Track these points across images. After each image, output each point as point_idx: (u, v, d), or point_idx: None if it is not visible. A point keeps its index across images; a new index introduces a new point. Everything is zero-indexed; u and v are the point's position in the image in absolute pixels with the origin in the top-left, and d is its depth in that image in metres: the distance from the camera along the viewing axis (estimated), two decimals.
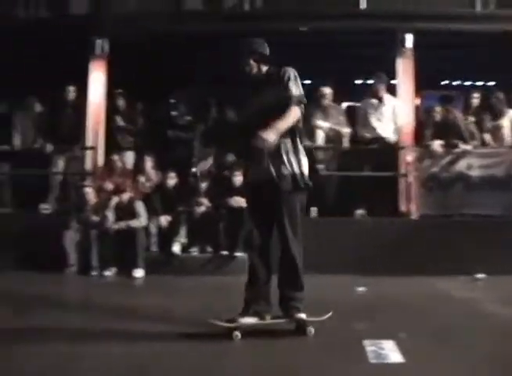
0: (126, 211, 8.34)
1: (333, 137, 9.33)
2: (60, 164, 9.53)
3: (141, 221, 8.28)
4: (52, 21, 10.17)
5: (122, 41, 9.74)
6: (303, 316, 4.51)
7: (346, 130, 9.25)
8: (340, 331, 4.66)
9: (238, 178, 8.42)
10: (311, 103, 9.19)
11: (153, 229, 8.51)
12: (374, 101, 9.21)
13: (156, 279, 7.88)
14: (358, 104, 9.94)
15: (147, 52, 10.25)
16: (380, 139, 9.10)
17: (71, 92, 9.61)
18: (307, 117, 8.91)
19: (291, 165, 4.54)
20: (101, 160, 9.58)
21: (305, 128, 8.79)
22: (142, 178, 9.01)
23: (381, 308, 5.90)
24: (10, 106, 10.08)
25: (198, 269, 8.22)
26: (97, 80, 9.95)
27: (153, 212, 8.54)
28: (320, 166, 9.08)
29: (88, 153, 9.73)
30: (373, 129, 9.13)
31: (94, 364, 3.80)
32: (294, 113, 4.48)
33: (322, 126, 9.25)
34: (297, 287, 4.57)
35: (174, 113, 10.38)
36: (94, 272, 8.13)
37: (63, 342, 4.23)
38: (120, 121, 9.88)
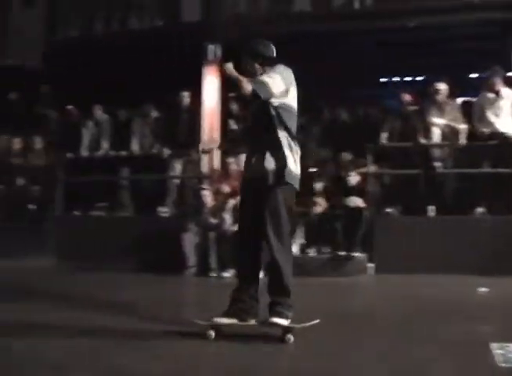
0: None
1: (449, 134, 9.02)
2: (177, 167, 9.73)
3: None
4: (166, 29, 10.45)
5: (234, 44, 9.83)
6: (281, 321, 4.21)
7: (462, 126, 8.92)
8: (465, 333, 4.49)
9: (354, 178, 8.30)
10: (426, 99, 8.99)
11: None
12: (491, 95, 8.83)
13: None
14: (474, 99, 9.58)
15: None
16: (498, 135, 8.71)
17: (186, 97, 9.77)
18: (422, 114, 8.85)
19: (276, 160, 4.34)
20: (217, 164, 9.70)
21: (421, 126, 8.71)
22: None
23: (506, 309, 5.62)
24: (128, 113, 10.42)
25: (316, 270, 8.14)
26: (211, 84, 10.12)
27: None
28: (437, 164, 8.82)
29: (204, 157, 9.90)
30: (491, 124, 8.76)
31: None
32: (246, 87, 4.28)
33: (438, 123, 8.96)
34: (280, 292, 4.32)
35: None
36: (213, 274, 8.22)
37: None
38: (233, 124, 10.00)
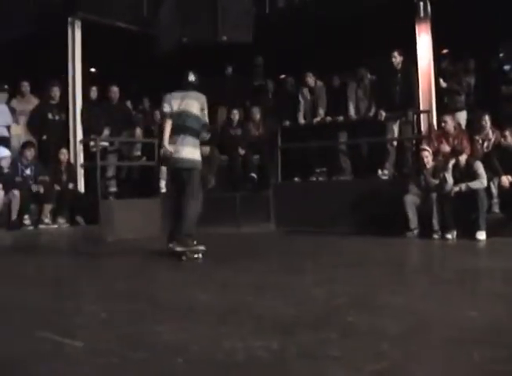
0: (465, 173, 8.15)
1: None
2: (395, 129, 9.68)
3: (482, 182, 8.01)
4: None
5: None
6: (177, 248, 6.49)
7: None
8: None
9: None
10: None
11: (494, 190, 8.21)
12: None
13: (499, 241, 7.63)
14: None
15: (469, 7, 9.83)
16: None
17: (398, 57, 9.64)
18: None
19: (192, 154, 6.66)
20: (435, 123, 9.51)
21: None
22: (478, 138, 8.74)
23: None
24: (342, 78, 10.54)
25: None
26: (423, 43, 9.87)
27: (493, 172, 8.22)
28: None
29: (423, 117, 9.77)
30: None
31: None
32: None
33: None
34: (181, 228, 6.51)
35: (506, 67, 9.89)
36: (435, 236, 8.12)
37: None
38: (443, 82, 9.74)
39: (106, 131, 10.54)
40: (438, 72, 9.89)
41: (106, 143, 10.36)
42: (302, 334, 3.37)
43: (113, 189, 10.50)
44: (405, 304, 4.14)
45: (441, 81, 9.83)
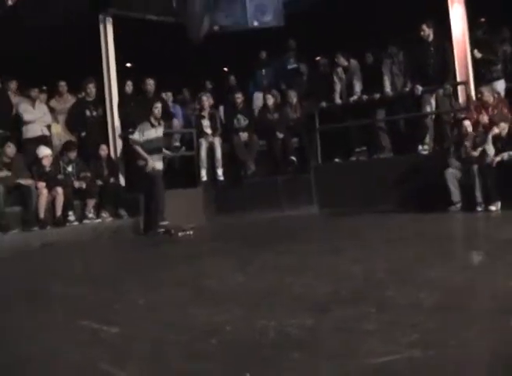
0: (507, 142, 7.98)
1: None
2: (432, 103, 9.52)
3: None
4: None
5: None
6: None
7: None
8: None
9: None
10: None
11: None
12: None
13: None
14: None
15: None
16: None
17: (429, 30, 9.44)
18: None
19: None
20: (473, 94, 9.32)
21: None
22: None
23: None
24: (376, 55, 10.42)
25: None
26: (457, 13, 9.67)
27: None
28: None
29: (460, 89, 9.60)
30: None
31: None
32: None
33: None
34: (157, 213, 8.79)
35: None
36: (479, 208, 7.98)
37: None
38: (477, 52, 9.54)
39: None
40: (473, 42, 9.67)
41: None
42: (338, 311, 3.38)
43: None
44: (445, 277, 4.10)
45: (476, 51, 9.61)
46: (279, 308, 3.56)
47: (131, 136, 9.34)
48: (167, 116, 10.55)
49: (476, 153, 8.24)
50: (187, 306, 3.80)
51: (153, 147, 9.18)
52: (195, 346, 2.92)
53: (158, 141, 9.34)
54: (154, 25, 11.00)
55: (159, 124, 9.39)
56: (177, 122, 11.28)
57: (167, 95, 11.46)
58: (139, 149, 9.12)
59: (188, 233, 8.30)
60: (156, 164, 9.23)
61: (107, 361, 2.81)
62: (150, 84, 10.72)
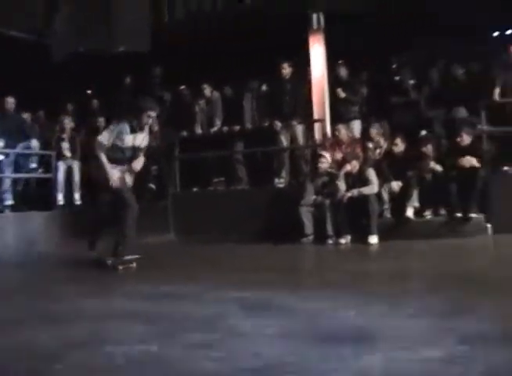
0: (357, 179, 8.36)
1: None
2: (287, 138, 9.82)
3: (372, 188, 8.25)
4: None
5: (337, 13, 9.78)
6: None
7: None
8: None
9: (467, 138, 8.14)
10: None
11: (385, 196, 8.45)
12: None
13: (390, 244, 7.86)
14: None
15: (361, 22, 10.14)
16: None
17: (288, 68, 9.78)
18: None
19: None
20: (328, 132, 9.69)
21: None
22: (370, 146, 8.98)
23: None
24: (237, 88, 10.62)
25: (432, 233, 8.04)
26: (317, 53, 10.05)
27: (383, 179, 8.47)
28: None
29: (316, 126, 9.94)
30: None
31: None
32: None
33: None
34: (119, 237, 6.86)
35: (396, 78, 10.28)
36: (330, 241, 8.28)
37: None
38: (341, 92, 9.95)
39: (1, 143, 10.15)
40: (337, 82, 10.09)
41: (1, 156, 10.01)
42: (185, 338, 3.33)
43: (9, 202, 10.12)
44: (291, 304, 4.17)
45: (340, 90, 9.99)
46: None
47: (98, 137, 6.97)
48: (25, 136, 10.19)
49: (329, 188, 8.57)
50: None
51: (119, 157, 6.91)
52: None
53: (130, 151, 6.96)
54: (17, 42, 10.56)
55: (141, 130, 6.88)
56: (35, 143, 10.84)
57: (26, 115, 11.06)
58: (102, 156, 6.75)
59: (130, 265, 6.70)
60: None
61: None
62: (10, 102, 10.32)
